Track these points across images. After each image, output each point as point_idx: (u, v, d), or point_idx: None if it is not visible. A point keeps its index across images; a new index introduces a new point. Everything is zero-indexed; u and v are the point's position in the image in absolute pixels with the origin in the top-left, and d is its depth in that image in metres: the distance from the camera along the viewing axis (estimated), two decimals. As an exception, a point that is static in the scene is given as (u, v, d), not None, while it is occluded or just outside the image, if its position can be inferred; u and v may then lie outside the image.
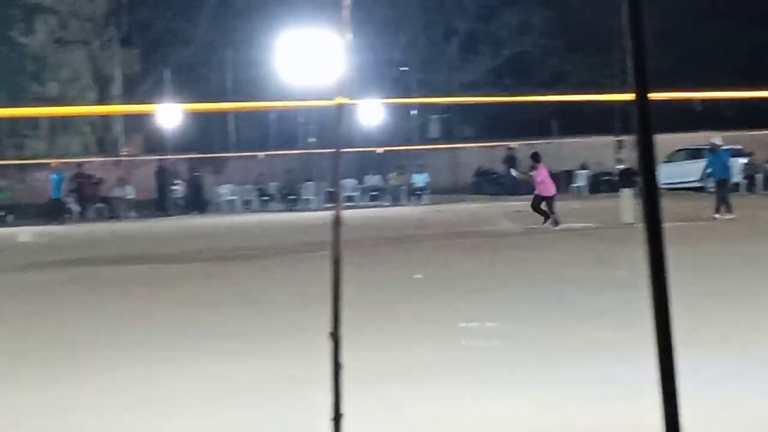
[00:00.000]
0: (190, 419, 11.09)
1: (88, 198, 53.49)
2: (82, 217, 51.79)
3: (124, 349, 15.58)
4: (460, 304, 18.84)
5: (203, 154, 55.93)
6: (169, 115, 50.74)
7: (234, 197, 56.70)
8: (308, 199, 55.90)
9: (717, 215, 34.97)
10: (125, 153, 55.94)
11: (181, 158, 56.28)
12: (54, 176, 50.01)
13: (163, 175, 55.28)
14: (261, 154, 53.72)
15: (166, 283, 24.20)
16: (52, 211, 50.01)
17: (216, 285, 23.40)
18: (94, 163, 54.73)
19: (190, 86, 56.25)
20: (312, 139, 63.21)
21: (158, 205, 54.42)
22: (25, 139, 57.95)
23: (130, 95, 58.42)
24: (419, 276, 23.33)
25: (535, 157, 39.01)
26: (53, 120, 58.95)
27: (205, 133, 60.36)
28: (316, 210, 51.86)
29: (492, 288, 21.04)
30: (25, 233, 41.53)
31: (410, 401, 11.44)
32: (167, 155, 55.87)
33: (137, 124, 59.57)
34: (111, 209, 52.58)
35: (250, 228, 41.63)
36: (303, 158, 56.31)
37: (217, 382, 12.87)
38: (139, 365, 14.10)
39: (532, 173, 38.97)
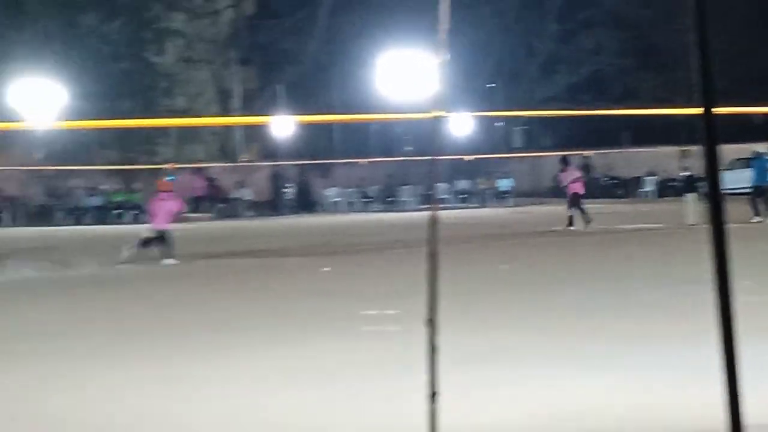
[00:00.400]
0: (305, 392, 11.16)
1: (212, 199, 53.90)
2: (206, 216, 52.13)
3: (247, 331, 15.72)
4: (542, 294, 18.83)
5: (312, 160, 56.05)
6: (282, 126, 50.93)
7: (339, 199, 56.83)
8: (405, 201, 55.91)
9: (758, 218, 34.38)
10: (244, 159, 56.26)
11: (293, 164, 56.51)
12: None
13: (277, 179, 55.61)
14: (363, 160, 53.72)
15: (281, 274, 24.33)
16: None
17: (325, 276, 23.51)
18: (216, 168, 55.15)
19: (301, 101, 56.46)
20: (408, 148, 63.19)
21: (272, 205, 54.69)
22: (157, 147, 58.41)
23: (248, 108, 58.72)
24: (505, 266, 23.38)
25: (565, 161, 38.88)
26: (181, 130, 59.36)
27: (314, 142, 60.51)
28: (412, 211, 51.88)
29: (569, 280, 20.99)
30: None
31: (503, 381, 11.42)
32: (280, 161, 56.14)
33: (254, 133, 59.86)
34: (231, 209, 52.97)
35: (353, 226, 41.71)
36: (400, 165, 56.24)
37: (326, 361, 12.93)
38: (260, 345, 14.21)
39: (561, 174, 38.81)
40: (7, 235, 40.79)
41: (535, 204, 54.51)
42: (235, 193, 54.27)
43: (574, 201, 36.33)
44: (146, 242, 28.18)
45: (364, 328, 15.42)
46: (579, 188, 36.77)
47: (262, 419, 10.15)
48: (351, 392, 11.12)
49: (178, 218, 30.25)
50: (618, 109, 49.40)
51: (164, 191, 29.68)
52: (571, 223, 35.36)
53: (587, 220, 35.62)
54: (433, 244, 8.47)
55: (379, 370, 12.10)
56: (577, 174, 38.04)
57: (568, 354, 12.70)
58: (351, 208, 56.16)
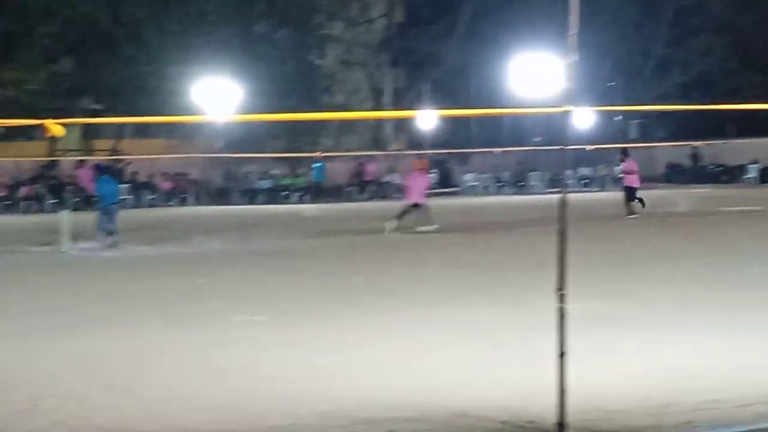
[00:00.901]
0: (447, 351, 11.22)
1: (366, 183, 54.18)
2: (359, 197, 52.44)
3: (401, 295, 15.82)
4: (659, 267, 18.65)
5: (452, 149, 56.05)
6: (427, 119, 51.01)
7: (476, 183, 56.77)
8: (534, 185, 55.69)
9: None
10: (393, 149, 56.45)
11: (436, 152, 56.58)
12: (316, 165, 50.18)
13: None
14: (497, 149, 53.58)
15: (430, 247, 24.40)
16: (315, 193, 50.27)
17: (462, 250, 23.52)
18: (369, 156, 55.40)
19: (443, 97, 56.48)
20: (537, 139, 62.78)
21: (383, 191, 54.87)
22: (318, 138, 58.93)
23: (397, 104, 58.90)
24: (628, 243, 23.13)
25: (625, 152, 36.53)
26: (339, 123, 59.81)
27: (454, 133, 60.48)
28: (540, 194, 51.66)
29: (682, 255, 20.77)
30: (314, 209, 42.34)
31: (625, 342, 11.38)
32: (425, 150, 56.24)
33: (402, 126, 60.02)
34: (382, 191, 53.19)
35: (488, 207, 41.64)
36: (529, 153, 55.91)
37: (466, 325, 12.99)
38: (409, 309, 14.30)
39: (621, 166, 36.35)
40: (192, 213, 41.50)
41: (647, 189, 53.94)
42: (386, 178, 54.49)
43: (629, 194, 33.79)
44: (403, 214, 29.32)
45: (499, 295, 15.44)
46: (634, 181, 34.23)
47: (412, 374, 10.24)
48: (489, 351, 11.16)
49: (428, 193, 30.97)
50: (724, 104, 48.47)
51: (419, 170, 30.89)
52: (632, 212, 32.71)
53: (634, 211, 32.93)
54: (563, 223, 8.46)
55: (514, 332, 12.12)
56: (635, 167, 35.05)
57: (684, 320, 12.61)
58: (486, 191, 56.03)
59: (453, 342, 11.80)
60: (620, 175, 36.87)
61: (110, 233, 25.66)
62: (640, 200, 33.65)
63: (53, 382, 10.17)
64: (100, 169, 26.82)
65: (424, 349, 11.39)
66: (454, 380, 9.77)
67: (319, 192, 50.76)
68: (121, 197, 25.58)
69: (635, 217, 31.96)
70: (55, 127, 9.61)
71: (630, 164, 34.88)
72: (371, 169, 54.67)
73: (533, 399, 8.73)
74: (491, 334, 12.18)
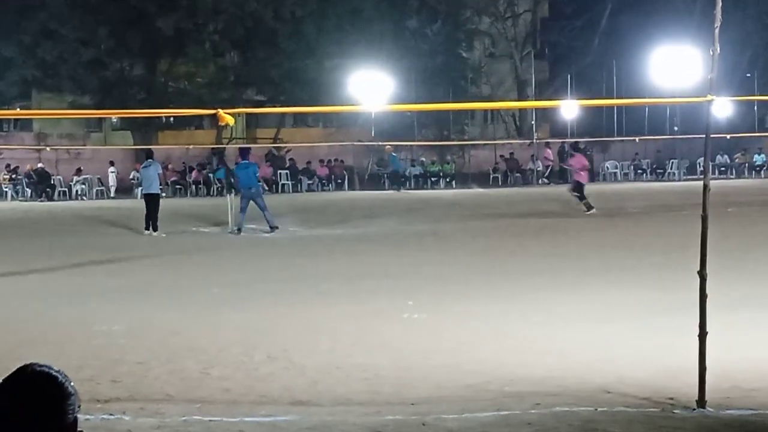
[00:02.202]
0: (590, 330, 11.14)
1: (510, 170, 53.90)
2: (505, 184, 52.18)
3: (546, 275, 15.75)
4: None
5: (593, 137, 55.43)
6: (569, 109, 50.57)
7: (616, 170, 55.97)
8: (672, 173, 54.66)
9: None
10: (537, 137, 56.03)
11: (577, 140, 55.97)
12: (392, 155, 49.44)
13: (564, 153, 55.17)
14: (637, 138, 52.68)
15: (568, 232, 24.19)
16: (394, 181, 49.46)
17: (604, 233, 23.25)
18: (514, 144, 55.14)
19: (585, 88, 55.80)
20: (676, 128, 61.63)
21: (560, 174, 54.27)
22: (465, 127, 58.90)
23: (540, 94, 58.49)
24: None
25: (575, 147, 33.17)
26: (485, 112, 59.76)
27: (595, 122, 59.69)
28: (678, 181, 50.76)
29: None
30: (460, 194, 42.36)
31: (763, 323, 11.15)
32: (567, 138, 55.77)
33: (545, 115, 59.60)
34: (524, 178, 52.81)
35: (628, 193, 41.05)
36: (668, 142, 54.90)
37: (609, 304, 12.87)
38: (553, 289, 14.24)
39: (571, 162, 32.51)
40: (347, 198, 41.87)
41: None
42: (529, 165, 54.14)
43: (578, 188, 30.23)
44: (578, 193, 29.84)
45: (641, 276, 15.24)
46: (583, 177, 30.75)
47: (556, 351, 10.20)
48: (630, 330, 11.05)
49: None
50: None
51: (578, 154, 31.58)
52: (589, 207, 29.15)
53: (587, 206, 29.36)
54: (704, 208, 8.33)
55: (656, 312, 11.96)
56: (585, 162, 31.61)
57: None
58: (625, 178, 55.20)
59: (595, 321, 11.72)
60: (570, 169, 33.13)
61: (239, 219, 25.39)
62: (582, 197, 30.00)
63: (222, 352, 10.41)
64: (242, 154, 26.39)
65: (568, 327, 11.34)
66: (597, 358, 9.71)
67: (396, 179, 49.78)
68: (254, 183, 25.00)
69: (593, 212, 28.83)
70: (227, 116, 9.78)
71: (579, 159, 31.48)
72: (515, 157, 54.32)
73: (674, 377, 8.63)
74: (633, 313, 12.06)
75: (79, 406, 3.04)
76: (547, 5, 63.10)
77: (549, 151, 53.59)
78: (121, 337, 11.35)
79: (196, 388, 8.92)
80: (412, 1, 55.10)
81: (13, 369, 3.02)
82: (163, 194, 27.66)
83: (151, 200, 25.98)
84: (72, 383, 3.01)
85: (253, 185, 25.39)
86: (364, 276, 16.71)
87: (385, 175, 51.63)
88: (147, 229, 25.34)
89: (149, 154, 28.00)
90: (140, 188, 27.83)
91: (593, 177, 54.35)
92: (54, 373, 3.02)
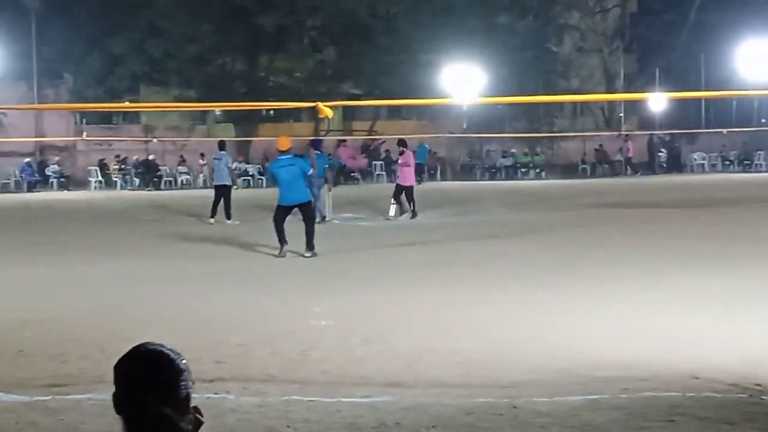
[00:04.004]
0: (677, 317, 11.03)
1: (599, 161, 53.33)
2: (594, 175, 51.66)
3: (632, 264, 15.60)
4: None
5: (681, 129, 54.64)
6: (657, 101, 49.86)
7: (703, 162, 55.08)
8: (760, 164, 53.64)
9: None
10: (625, 130, 55.31)
11: (665, 132, 55.30)
12: (420, 146, 48.54)
13: (652, 145, 54.52)
14: (724, 130, 51.76)
15: (654, 222, 23.92)
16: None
17: (690, 224, 22.95)
18: (602, 136, 54.54)
19: (672, 80, 55.02)
20: (763, 120, 60.42)
21: (648, 166, 53.65)
22: (555, 119, 58.49)
23: (628, 87, 57.75)
24: None
25: (402, 143, 27.73)
26: (574, 105, 59.23)
27: (683, 114, 58.83)
28: (765, 172, 49.87)
29: None
30: (550, 185, 42.08)
31: None
32: (655, 130, 55.08)
33: (634, 107, 58.79)
34: (612, 169, 52.24)
35: (715, 184, 40.39)
36: (756, 134, 53.85)
37: (696, 292, 12.73)
38: (640, 277, 14.11)
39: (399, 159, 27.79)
40: (439, 188, 41.85)
41: None
42: (617, 156, 53.55)
43: (400, 190, 26.60)
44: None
45: (727, 265, 15.03)
46: (409, 177, 26.70)
47: (644, 337, 10.12)
48: (717, 318, 10.91)
49: None
50: None
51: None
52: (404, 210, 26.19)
53: (404, 212, 26.30)
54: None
55: (742, 300, 11.80)
56: (411, 161, 27.62)
57: None
58: (712, 169, 54.30)
59: (683, 308, 11.59)
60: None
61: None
62: (410, 202, 26.44)
63: (321, 335, 10.50)
64: (314, 145, 24.75)
65: (655, 314, 11.24)
66: (684, 344, 9.61)
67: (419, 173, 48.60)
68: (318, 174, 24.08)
69: (400, 217, 26.10)
70: (326, 109, 9.85)
71: (407, 157, 27.43)
72: (604, 149, 53.73)
73: (760, 364, 8.52)
74: (719, 301, 11.90)
75: (192, 383, 3.09)
76: (636, 0, 62.38)
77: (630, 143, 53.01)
78: (223, 320, 11.51)
79: (296, 369, 9.02)
80: (503, -2, 54.90)
81: (126, 349, 3.09)
82: (235, 186, 27.57)
83: (222, 191, 26.02)
84: (184, 360, 3.07)
85: (323, 175, 25.00)
86: (453, 263, 16.73)
87: (484, 167, 51.64)
88: (212, 217, 25.37)
89: (221, 146, 28.11)
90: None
91: (681, 168, 53.79)
92: (166, 351, 3.09)
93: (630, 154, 52.80)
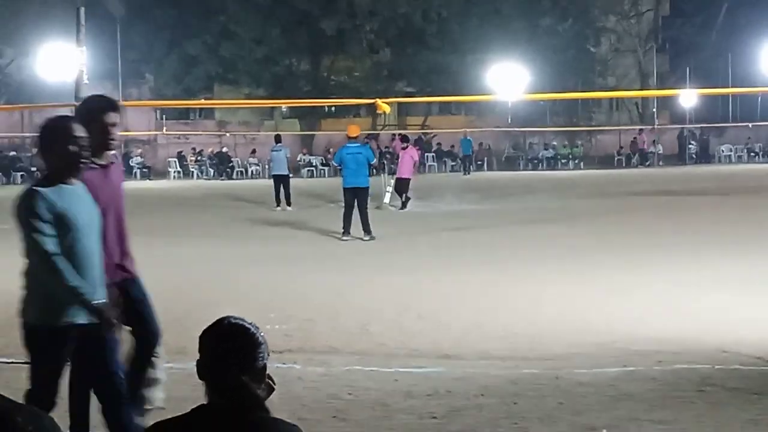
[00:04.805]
0: (708, 296, 10.92)
1: (633, 153, 52.86)
2: (629, 165, 51.22)
3: (666, 248, 15.46)
4: None
5: (710, 123, 54.03)
6: (688, 97, 49.33)
7: (730, 153, 54.42)
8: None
9: None
10: (658, 123, 54.74)
11: (695, 126, 54.75)
12: (463, 139, 48.09)
13: (683, 138, 53.99)
14: (750, 124, 51.10)
15: (686, 209, 23.67)
16: (464, 164, 48.15)
17: (719, 210, 22.68)
18: (636, 130, 54.04)
19: (702, 78, 54.28)
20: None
21: (678, 158, 53.11)
22: (592, 114, 58.04)
23: (661, 85, 57.15)
24: None
25: (404, 138, 27.01)
26: (611, 101, 58.77)
27: (712, 109, 58.08)
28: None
29: None
30: (588, 175, 41.76)
31: None
32: (686, 125, 54.51)
33: (666, 103, 58.18)
34: (644, 159, 51.73)
35: (742, 174, 39.87)
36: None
37: (725, 273, 12.60)
38: (673, 260, 13.99)
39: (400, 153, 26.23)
40: (486, 178, 41.78)
41: None
42: (650, 148, 53.02)
43: (398, 182, 25.37)
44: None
45: (754, 248, 14.83)
46: (406, 171, 25.32)
47: (677, 314, 10.05)
48: (744, 297, 10.81)
49: None
50: None
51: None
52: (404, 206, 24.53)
53: (400, 204, 24.82)
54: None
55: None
56: (415, 155, 26.30)
57: None
58: (739, 160, 53.62)
59: (713, 288, 11.48)
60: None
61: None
62: (402, 194, 25.09)
63: (378, 311, 10.52)
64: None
65: (687, 293, 11.14)
66: (714, 321, 9.53)
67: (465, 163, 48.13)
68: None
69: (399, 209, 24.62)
70: (384, 105, 9.87)
71: (411, 151, 26.14)
72: (639, 141, 53.24)
73: (785, 340, 8.43)
74: (746, 281, 11.77)
75: (268, 354, 3.13)
76: (668, 4, 61.74)
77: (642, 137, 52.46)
78: (291, 297, 11.57)
79: (357, 342, 9.04)
80: (545, 2, 54.48)
81: (206, 322, 3.13)
82: (290, 175, 27.52)
83: (281, 180, 26.02)
84: (262, 333, 3.10)
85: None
86: (498, 246, 16.70)
87: (525, 158, 51.44)
88: (278, 205, 25.36)
89: (278, 139, 28.12)
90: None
91: (709, 159, 53.16)
92: (247, 325, 3.13)
93: (643, 147, 52.23)
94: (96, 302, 4.93)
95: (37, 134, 5.17)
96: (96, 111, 5.56)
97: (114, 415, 5.20)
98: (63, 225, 4.89)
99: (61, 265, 4.85)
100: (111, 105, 5.67)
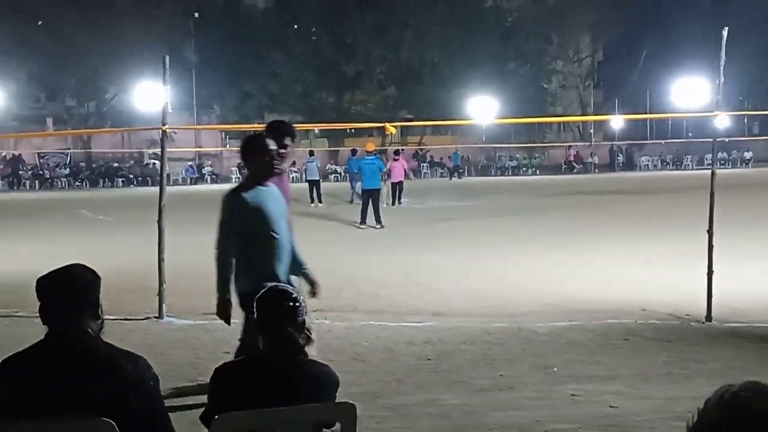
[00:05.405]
0: (633, 270, 10.80)
1: (576, 163, 52.47)
2: (571, 172, 50.89)
3: (593, 235, 15.30)
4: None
5: (633, 141, 53.66)
6: (616, 122, 48.81)
7: (648, 163, 53.59)
8: (688, 164, 52.15)
9: None
10: (594, 141, 54.36)
11: (622, 143, 54.31)
12: (454, 153, 47.57)
13: (613, 151, 53.64)
14: (663, 141, 50.86)
15: (616, 205, 23.41)
16: (453, 172, 48.26)
17: (640, 205, 22.41)
18: (578, 145, 53.68)
19: (628, 106, 53.82)
20: (690, 134, 59.13)
21: (609, 166, 52.49)
22: (546, 134, 57.67)
23: (597, 111, 56.84)
24: None
25: (396, 153, 23.65)
26: (559, 124, 58.29)
27: (634, 130, 57.59)
28: (691, 170, 48.63)
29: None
30: (548, 179, 41.31)
31: (751, 266, 10.67)
32: (615, 141, 54.11)
33: (601, 125, 57.70)
34: (585, 169, 51.29)
35: (656, 179, 39.56)
36: (685, 144, 52.84)
37: (645, 253, 12.47)
38: (598, 243, 13.83)
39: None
40: (466, 183, 41.45)
41: None
42: (588, 159, 52.65)
43: (393, 186, 22.75)
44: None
45: (664, 233, 14.69)
46: (398, 176, 22.54)
47: (610, 282, 9.98)
48: (660, 270, 10.73)
49: None
50: None
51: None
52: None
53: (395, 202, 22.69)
54: (712, 188, 7.98)
55: (675, 258, 11.55)
56: (406, 165, 24.00)
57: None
58: (655, 168, 53.03)
59: (637, 262, 11.44)
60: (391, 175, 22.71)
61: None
62: (394, 194, 22.60)
63: (387, 280, 10.53)
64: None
65: (617, 267, 11.11)
66: (637, 288, 9.51)
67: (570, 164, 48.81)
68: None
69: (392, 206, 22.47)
70: (391, 128, 9.85)
71: (401, 162, 23.26)
72: (580, 153, 52.89)
73: (689, 301, 8.40)
74: (663, 258, 11.71)
75: (306, 312, 3.13)
76: (602, 52, 61.51)
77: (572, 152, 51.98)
78: (322, 270, 11.48)
79: (371, 303, 9.05)
80: (510, 51, 54.22)
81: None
82: (320, 179, 27.10)
83: (313, 184, 25.42)
84: (301, 297, 3.11)
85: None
86: (478, 232, 16.65)
87: (495, 167, 51.30)
88: (312, 203, 24.69)
89: (312, 153, 28.24)
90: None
91: (633, 167, 52.87)
92: (290, 290, 3.14)
93: (572, 159, 51.73)
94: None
95: (241, 147, 5.11)
96: (272, 132, 5.41)
97: None
98: (258, 216, 4.90)
99: (221, 255, 4.94)
100: (282, 130, 5.50)
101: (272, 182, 5.20)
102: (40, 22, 43.96)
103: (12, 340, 6.06)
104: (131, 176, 44.88)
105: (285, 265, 5.04)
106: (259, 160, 4.97)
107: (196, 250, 14.54)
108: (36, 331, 2.81)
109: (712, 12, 50.30)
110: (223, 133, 53.05)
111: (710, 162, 8.61)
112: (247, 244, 4.96)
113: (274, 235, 4.99)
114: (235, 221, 4.93)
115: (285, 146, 5.36)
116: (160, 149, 9.66)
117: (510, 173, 50.80)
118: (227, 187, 5.51)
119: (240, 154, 5.13)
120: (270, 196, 5.03)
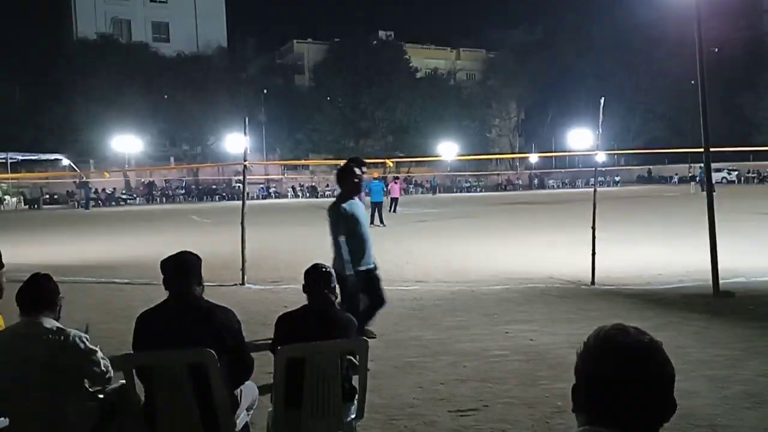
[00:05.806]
0: (545, 251, 10.52)
1: (508, 184, 51.92)
2: (505, 190, 50.36)
3: (514, 227, 14.97)
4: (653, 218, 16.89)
5: (545, 170, 52.94)
6: (533, 158, 48.19)
7: (554, 184, 53.17)
8: (579, 185, 51.83)
9: None
10: (519, 170, 53.82)
11: (537, 171, 53.59)
12: (432, 179, 47.28)
13: (531, 176, 52.84)
14: (563, 170, 50.30)
15: (534, 210, 22.94)
16: (431, 190, 47.81)
17: (544, 210, 21.79)
18: (509, 173, 53.03)
19: (541, 147, 53.56)
20: (580, 165, 58.45)
21: (528, 186, 52.02)
22: (488, 166, 56.99)
23: (521, 150, 56.31)
24: None
25: (395, 179, 21.63)
26: (497, 160, 57.77)
27: (545, 163, 56.79)
28: (582, 188, 48.18)
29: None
30: (491, 195, 40.77)
31: (623, 247, 10.42)
32: (533, 170, 53.27)
33: (524, 160, 57.11)
34: (514, 188, 50.94)
35: (558, 195, 39.05)
36: (577, 172, 52.42)
37: (549, 241, 12.15)
38: (521, 233, 13.44)
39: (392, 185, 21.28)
40: (438, 197, 40.63)
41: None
42: (516, 182, 52.08)
43: (391, 201, 21.00)
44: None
45: (561, 228, 14.42)
46: (395, 193, 20.83)
47: (530, 259, 9.80)
48: (563, 252, 10.45)
49: None
50: None
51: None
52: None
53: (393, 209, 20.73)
54: (594, 197, 7.85)
55: (570, 245, 11.19)
56: (399, 185, 21.56)
57: (658, 238, 11.47)
58: (558, 187, 52.38)
59: (548, 246, 11.20)
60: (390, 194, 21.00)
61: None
62: (392, 205, 20.69)
63: (386, 260, 10.18)
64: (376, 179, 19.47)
65: (534, 250, 10.93)
66: (549, 263, 9.38)
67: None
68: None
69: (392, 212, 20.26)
70: (389, 162, 9.82)
71: (397, 184, 21.55)
72: (510, 178, 52.38)
73: (581, 272, 8.32)
74: (564, 243, 11.56)
75: (335, 279, 3.11)
76: (524, 113, 61.24)
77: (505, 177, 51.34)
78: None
79: (400, 273, 8.84)
80: (465, 113, 54.03)
81: (304, 267, 3.11)
82: None
83: (376, 205, 23.18)
84: (331, 269, 3.08)
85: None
86: (446, 228, 16.44)
87: (457, 187, 50.91)
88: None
89: (378, 177, 26.53)
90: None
91: (544, 187, 52.35)
92: (327, 266, 3.13)
93: (505, 182, 50.89)
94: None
95: (338, 172, 4.89)
96: (354, 163, 5.20)
97: (375, 310, 5.06)
98: (352, 221, 4.80)
99: (340, 246, 4.75)
100: (360, 162, 5.13)
101: (356, 197, 5.09)
102: (166, 96, 45.00)
103: (147, 300, 6.06)
104: (224, 194, 44.88)
105: (370, 252, 4.93)
106: (350, 182, 4.83)
107: (265, 240, 14.57)
108: (161, 294, 2.81)
109: (595, 86, 50.21)
110: (283, 167, 52.94)
111: (593, 183, 8.59)
112: (347, 238, 4.84)
113: (364, 232, 4.90)
114: (342, 224, 4.78)
115: (363, 172, 5.25)
116: (242, 177, 9.63)
117: (466, 191, 50.54)
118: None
119: (336, 176, 4.93)
120: (358, 206, 4.95)
